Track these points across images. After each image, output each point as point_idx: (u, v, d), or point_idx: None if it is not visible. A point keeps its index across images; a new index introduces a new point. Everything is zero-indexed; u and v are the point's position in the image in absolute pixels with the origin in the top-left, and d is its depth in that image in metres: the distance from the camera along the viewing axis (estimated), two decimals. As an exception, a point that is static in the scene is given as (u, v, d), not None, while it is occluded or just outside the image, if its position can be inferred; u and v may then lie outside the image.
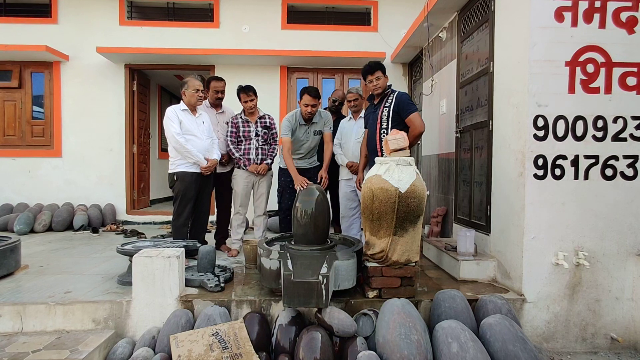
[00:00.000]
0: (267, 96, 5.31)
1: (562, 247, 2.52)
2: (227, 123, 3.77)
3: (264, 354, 2.15)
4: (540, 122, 2.49)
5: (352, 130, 3.66)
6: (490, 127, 2.96)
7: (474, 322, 2.27)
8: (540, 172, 2.51)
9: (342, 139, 3.72)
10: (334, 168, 3.82)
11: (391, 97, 3.11)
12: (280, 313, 2.35)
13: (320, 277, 2.15)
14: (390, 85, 3.20)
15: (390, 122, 3.05)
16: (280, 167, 3.62)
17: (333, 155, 3.67)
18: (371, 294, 2.47)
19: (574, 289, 2.55)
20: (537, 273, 2.53)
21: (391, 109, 3.06)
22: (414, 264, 2.47)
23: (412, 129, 2.97)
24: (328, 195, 3.72)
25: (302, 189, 3.02)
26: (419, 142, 4.05)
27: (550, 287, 2.54)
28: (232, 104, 4.08)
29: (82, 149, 5.65)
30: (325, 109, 4.22)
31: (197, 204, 3.40)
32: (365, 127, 3.38)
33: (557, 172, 2.51)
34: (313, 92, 3.30)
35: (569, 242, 2.52)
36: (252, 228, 4.65)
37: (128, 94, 5.73)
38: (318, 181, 2.83)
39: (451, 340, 1.99)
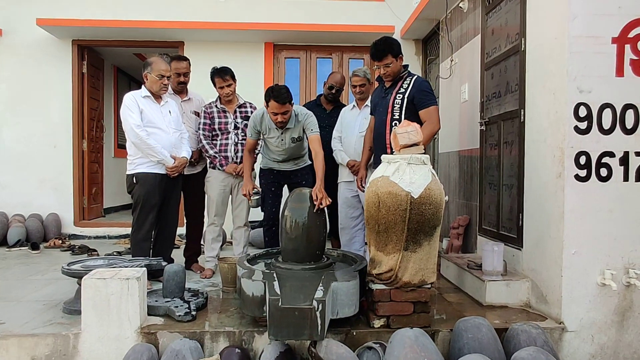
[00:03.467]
0: (248, 80, 5.29)
1: (610, 264, 2.54)
2: (195, 113, 3.80)
3: (246, 397, 2.15)
4: (583, 112, 2.51)
5: (356, 122, 3.67)
6: (522, 117, 2.97)
7: (503, 356, 2.27)
8: (583, 173, 2.53)
9: (342, 131, 3.74)
10: (331, 167, 3.82)
11: (407, 82, 3.11)
12: (265, 347, 2.33)
13: (315, 303, 2.14)
14: (406, 66, 3.20)
15: (403, 113, 3.06)
16: (261, 168, 3.63)
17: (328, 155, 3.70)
18: (377, 323, 2.47)
19: (624, 314, 2.56)
20: (580, 295, 2.55)
21: (406, 96, 3.07)
22: (429, 286, 2.46)
23: (426, 125, 2.97)
24: None
25: (250, 196, 3.24)
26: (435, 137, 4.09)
27: (595, 313, 2.56)
28: (206, 91, 4.08)
29: (19, 146, 5.62)
30: (319, 96, 4.25)
31: (162, 213, 3.41)
32: (372, 114, 3.38)
33: (603, 172, 2.53)
34: (282, 97, 3.03)
35: (618, 258, 2.54)
36: (231, 243, 4.64)
37: (76, 77, 5.72)
38: (315, 201, 2.67)
39: (475, 379, 1.99)
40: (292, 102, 3.16)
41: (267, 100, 3.11)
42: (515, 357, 2.16)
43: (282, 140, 3.34)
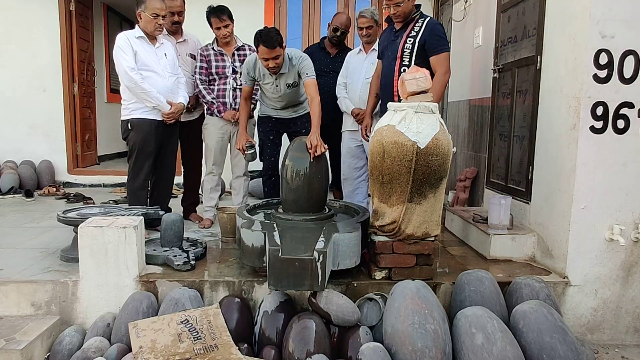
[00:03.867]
0: (247, 21, 5.10)
1: (619, 219, 2.55)
2: (190, 56, 3.72)
3: (245, 346, 2.20)
4: (603, 59, 2.46)
5: (362, 67, 3.61)
6: (538, 64, 2.93)
7: (504, 309, 2.33)
8: (599, 124, 2.50)
9: (348, 77, 3.68)
10: (335, 116, 3.80)
11: (419, 25, 3.03)
12: (265, 297, 2.39)
13: (316, 254, 2.16)
14: (418, 7, 3.11)
15: (414, 58, 3.00)
16: (259, 115, 3.61)
17: (329, 104, 3.64)
18: (379, 275, 2.50)
19: (630, 270, 2.60)
20: (586, 251, 2.58)
21: (417, 40, 2.99)
22: (433, 239, 2.49)
23: (438, 74, 2.93)
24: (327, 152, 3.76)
25: (243, 151, 3.25)
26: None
27: (600, 268, 2.59)
28: (202, 33, 3.94)
29: (6, 89, 5.54)
30: (323, 39, 4.14)
31: (159, 161, 3.41)
32: (379, 59, 3.31)
33: (620, 124, 2.50)
34: (271, 40, 2.95)
35: (628, 213, 2.55)
36: (230, 192, 4.63)
37: (64, 16, 5.54)
38: (309, 149, 2.64)
39: (475, 330, 2.04)
40: (284, 45, 3.10)
41: (256, 46, 3.05)
42: (517, 309, 2.21)
43: (277, 86, 3.30)
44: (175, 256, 2.68)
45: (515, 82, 3.26)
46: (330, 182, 3.48)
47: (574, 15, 2.57)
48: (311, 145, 2.66)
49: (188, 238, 3.07)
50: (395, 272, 2.48)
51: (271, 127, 3.54)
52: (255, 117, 3.73)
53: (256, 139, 3.59)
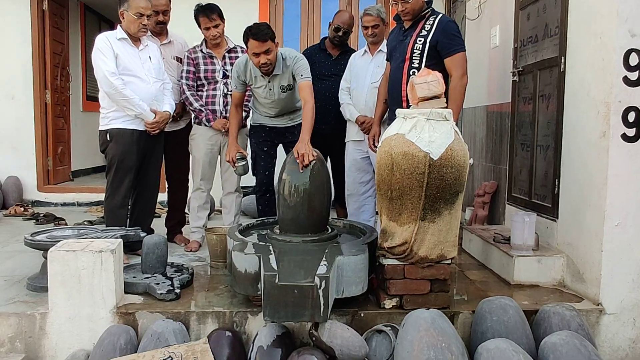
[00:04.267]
0: (239, 21, 5.01)
1: (659, 238, 2.54)
2: (176, 59, 3.75)
3: (238, 385, 2.20)
4: (634, 60, 2.46)
5: (367, 70, 3.62)
6: (562, 66, 2.94)
7: (531, 341, 2.31)
8: (631, 132, 2.50)
9: (352, 81, 3.70)
10: (337, 125, 3.81)
11: (430, 23, 3.05)
12: (260, 330, 2.37)
13: (317, 280, 2.16)
14: (429, 3, 3.13)
15: (424, 60, 3.01)
16: (251, 125, 3.63)
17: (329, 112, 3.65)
18: (389, 303, 2.50)
19: (672, 296, 2.62)
20: (622, 273, 2.56)
21: (428, 39, 3.01)
22: (449, 262, 2.49)
23: (454, 78, 2.96)
24: (329, 164, 3.76)
25: (234, 163, 3.28)
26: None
27: (638, 294, 2.58)
28: (189, 34, 4.00)
29: (-30, 97, 5.56)
30: (324, 39, 4.16)
31: (141, 177, 3.41)
32: (388, 61, 3.33)
33: (656, 131, 2.53)
34: (261, 33, 3.00)
35: (668, 231, 2.55)
36: (220, 211, 4.67)
37: (36, 16, 5.58)
38: (297, 158, 2.68)
39: (499, 366, 2.02)
40: (276, 41, 3.14)
41: (245, 41, 3.08)
42: (546, 342, 2.19)
43: (270, 89, 3.30)
44: (158, 284, 2.67)
45: (537, 85, 3.28)
46: (333, 198, 3.48)
47: (600, 13, 2.57)
48: (298, 153, 2.68)
49: (172, 263, 3.07)
50: (407, 300, 2.47)
51: (265, 137, 3.54)
52: (248, 127, 3.74)
53: (248, 151, 3.61)
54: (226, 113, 3.59)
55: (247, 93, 3.54)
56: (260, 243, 2.60)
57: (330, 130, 3.86)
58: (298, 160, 2.66)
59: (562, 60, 2.94)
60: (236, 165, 3.33)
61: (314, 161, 2.67)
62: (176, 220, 3.93)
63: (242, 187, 3.81)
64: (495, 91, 4.05)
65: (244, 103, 3.57)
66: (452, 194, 2.36)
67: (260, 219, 3.21)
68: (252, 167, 3.53)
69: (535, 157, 3.30)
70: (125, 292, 2.63)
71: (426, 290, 2.47)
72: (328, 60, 4.02)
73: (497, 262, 3.12)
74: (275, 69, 3.20)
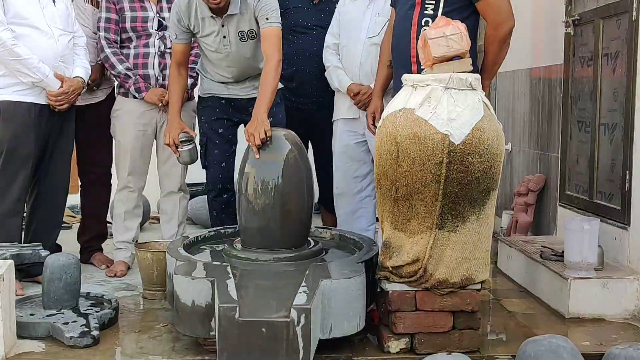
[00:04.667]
0: None
1: None
2: (92, 2, 3.77)
3: None
4: None
5: (363, 21, 3.56)
6: (635, 13, 2.93)
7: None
8: None
9: (341, 36, 3.64)
10: (322, 97, 3.78)
11: None
12: (215, 388, 2.35)
13: (294, 314, 2.13)
14: None
15: (442, 4, 2.95)
16: (199, 96, 3.64)
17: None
18: (395, 346, 2.46)
19: None
20: None
21: None
22: (479, 287, 2.49)
23: (490, 24, 2.94)
24: (310, 153, 3.72)
25: (176, 147, 3.24)
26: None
27: None
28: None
29: None
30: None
31: (42, 171, 3.40)
32: (392, 6, 3.27)
33: None
34: None
35: None
36: (157, 219, 4.75)
37: None
38: (246, 139, 2.75)
39: None
40: None
41: None
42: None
43: (225, 37, 3.27)
44: (67, 324, 2.59)
45: (599, 40, 3.28)
46: (316, 199, 3.50)
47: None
48: (247, 134, 2.78)
49: (88, 294, 3.01)
50: (420, 341, 2.45)
51: (220, 113, 3.49)
52: (196, 99, 3.74)
53: (197, 132, 3.60)
54: (164, 80, 3.55)
55: (193, 51, 3.53)
56: (215, 263, 2.59)
57: (311, 105, 3.84)
58: (249, 142, 2.72)
59: (634, 5, 2.92)
60: (180, 150, 3.28)
61: (269, 142, 2.73)
62: (94, 233, 3.89)
63: (189, 185, 3.80)
64: (541, 49, 4.07)
65: (190, 65, 3.52)
66: (481, 192, 2.36)
67: (214, 229, 3.21)
68: (202, 156, 3.51)
69: (597, 140, 3.31)
70: (19, 337, 2.57)
71: (447, 327, 2.45)
72: (308, 6, 3.94)
73: (546, 286, 3.11)
74: (231, 7, 3.16)
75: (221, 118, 3.49)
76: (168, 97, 3.44)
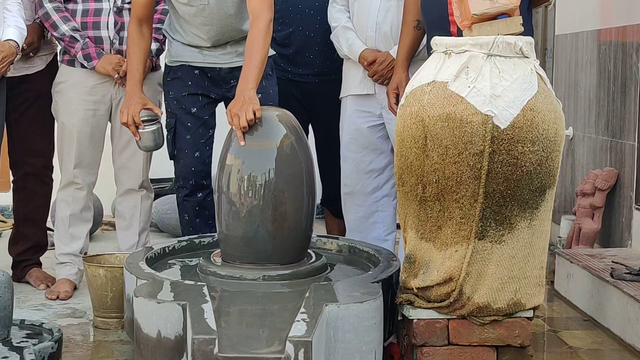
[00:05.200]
0: None
1: None
2: None
3: None
4: None
5: None
6: None
7: None
8: None
9: None
10: (327, 67, 3.84)
11: None
12: None
13: (290, 349, 2.12)
14: None
15: None
16: (166, 64, 3.67)
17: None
18: None
19: None
20: None
21: None
22: (530, 314, 2.51)
23: None
24: (311, 139, 3.78)
25: (139, 129, 3.27)
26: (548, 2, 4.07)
27: None
28: None
29: None
30: None
31: None
32: None
33: None
34: None
35: None
36: (112, 224, 4.65)
37: None
38: (230, 122, 2.80)
39: None
40: None
41: None
42: None
43: None
44: None
45: None
46: (319, 200, 3.58)
47: None
48: (230, 114, 2.81)
49: (23, 321, 3.04)
50: None
51: (193, 87, 3.55)
52: (162, 69, 3.80)
53: (163, 110, 3.59)
54: (121, 44, 3.65)
55: (159, 6, 3.63)
56: (187, 282, 2.62)
57: (312, 77, 3.93)
58: (233, 126, 2.77)
59: None
60: (140, 132, 3.33)
61: (258, 125, 2.75)
62: (30, 243, 3.93)
63: (154, 182, 3.81)
64: (612, 5, 4.04)
65: (155, 25, 3.60)
66: (533, 191, 2.38)
67: (186, 238, 3.25)
68: (170, 143, 3.56)
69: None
70: None
71: (489, 366, 2.47)
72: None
73: (618, 314, 3.12)
74: None
75: (194, 94, 3.53)
76: (126, 66, 3.46)
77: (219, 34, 3.45)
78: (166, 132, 3.51)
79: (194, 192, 3.53)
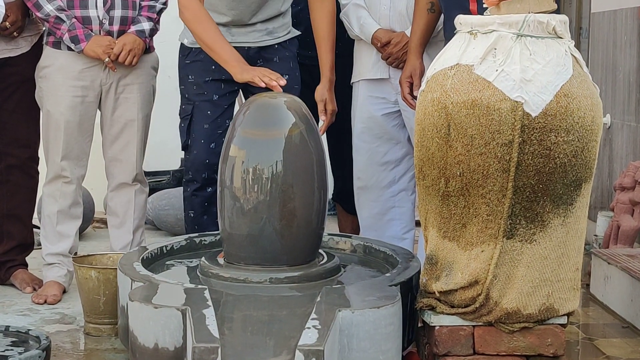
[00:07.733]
0: None
1: None
2: None
3: None
4: None
5: None
6: None
7: None
8: None
9: None
10: (338, 49, 3.75)
11: None
12: None
13: (300, 358, 2.12)
14: None
15: None
16: (182, 44, 3.72)
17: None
18: None
19: None
20: None
21: None
22: (564, 321, 2.54)
23: None
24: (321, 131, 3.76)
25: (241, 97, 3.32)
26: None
27: None
28: None
29: None
30: None
31: None
32: None
33: None
34: None
35: None
36: (104, 222, 4.73)
37: None
38: (321, 115, 2.94)
39: None
40: None
41: None
42: None
43: None
44: None
45: None
46: (330, 195, 3.58)
47: None
48: (324, 108, 3.01)
49: (8, 328, 3.03)
50: None
51: (216, 72, 3.57)
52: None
53: (173, 103, 3.69)
54: (111, 24, 3.66)
55: None
56: (187, 285, 2.63)
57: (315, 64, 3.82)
58: (323, 119, 2.96)
59: None
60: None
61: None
62: (14, 242, 3.97)
63: (149, 175, 3.79)
64: None
65: (147, 2, 3.71)
66: (568, 185, 2.40)
67: (186, 236, 3.28)
68: (184, 132, 3.64)
69: None
70: None
71: (519, 378, 2.47)
72: None
73: None
74: None
75: (218, 79, 3.56)
76: (116, 49, 3.50)
77: (246, 9, 3.49)
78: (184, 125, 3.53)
79: (204, 186, 3.61)
